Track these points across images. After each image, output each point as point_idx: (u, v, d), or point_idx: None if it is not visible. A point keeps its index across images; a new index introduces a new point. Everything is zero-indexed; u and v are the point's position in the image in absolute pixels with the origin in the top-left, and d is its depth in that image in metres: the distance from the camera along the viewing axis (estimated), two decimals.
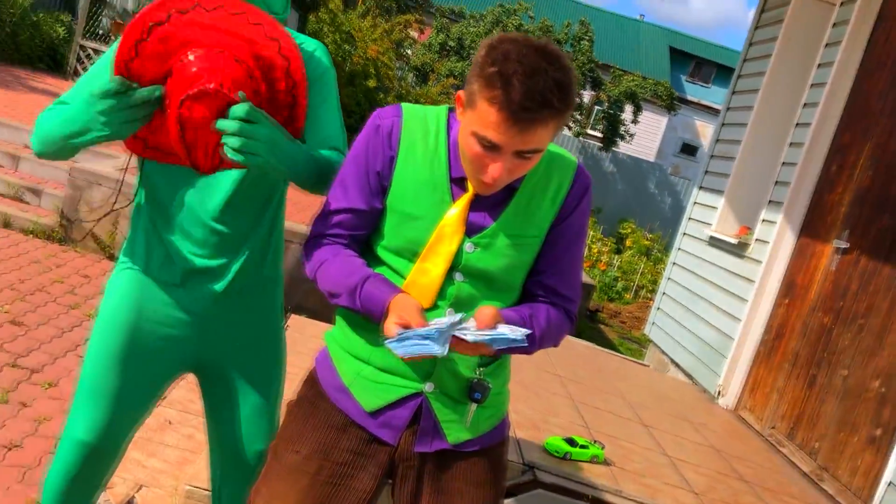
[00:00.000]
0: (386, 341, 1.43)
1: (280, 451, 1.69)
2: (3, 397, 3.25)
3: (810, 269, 4.58)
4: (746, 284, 5.02)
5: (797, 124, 5.00)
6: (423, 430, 1.65)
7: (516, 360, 1.82)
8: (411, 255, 1.58)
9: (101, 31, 11.81)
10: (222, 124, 1.56)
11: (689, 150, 31.97)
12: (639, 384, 4.95)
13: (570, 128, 21.35)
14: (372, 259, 1.64)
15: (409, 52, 17.41)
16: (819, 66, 4.96)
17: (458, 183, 1.57)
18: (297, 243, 5.64)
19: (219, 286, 1.89)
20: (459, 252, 1.56)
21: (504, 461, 1.78)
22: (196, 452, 3.02)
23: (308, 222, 1.71)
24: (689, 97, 32.10)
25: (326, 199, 1.66)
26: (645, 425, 3.89)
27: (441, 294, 1.57)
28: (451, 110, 1.61)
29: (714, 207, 5.85)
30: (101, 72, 1.80)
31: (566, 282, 1.66)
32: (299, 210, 6.64)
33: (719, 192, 5.83)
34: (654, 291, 10.74)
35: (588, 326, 8.92)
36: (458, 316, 1.49)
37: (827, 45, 4.93)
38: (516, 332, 1.43)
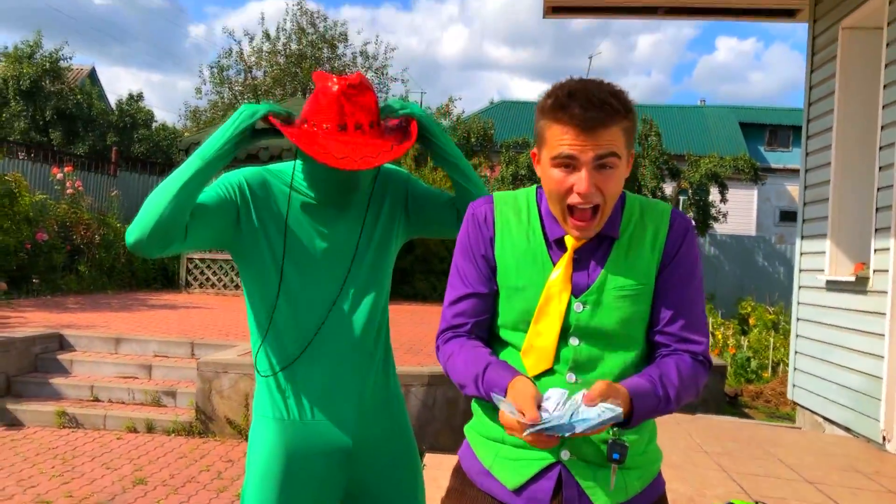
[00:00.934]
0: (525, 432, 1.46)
1: None
2: None
3: None
4: (878, 319, 4.79)
5: (880, 148, 4.92)
6: (568, 498, 1.63)
7: (661, 440, 1.77)
8: (526, 325, 1.62)
9: None
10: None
11: (789, 216, 31.03)
12: (795, 446, 4.69)
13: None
14: (496, 343, 1.69)
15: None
16: (885, 87, 4.92)
17: (559, 246, 1.63)
18: (417, 386, 5.73)
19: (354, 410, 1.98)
20: (569, 313, 1.59)
21: None
22: None
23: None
24: (773, 165, 31.54)
25: (446, 295, 1.74)
26: (810, 482, 3.67)
27: (557, 358, 1.60)
28: (539, 187, 1.69)
29: (822, 252, 5.69)
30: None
31: (688, 325, 1.64)
32: (413, 354, 6.78)
33: (822, 235, 5.69)
34: None
35: (731, 412, 8.52)
36: (563, 395, 1.49)
37: (887, 65, 4.91)
38: (607, 413, 1.42)
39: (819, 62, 6.03)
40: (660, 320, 1.64)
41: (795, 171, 30.18)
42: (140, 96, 22.42)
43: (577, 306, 1.59)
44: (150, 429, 5.90)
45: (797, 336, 6.12)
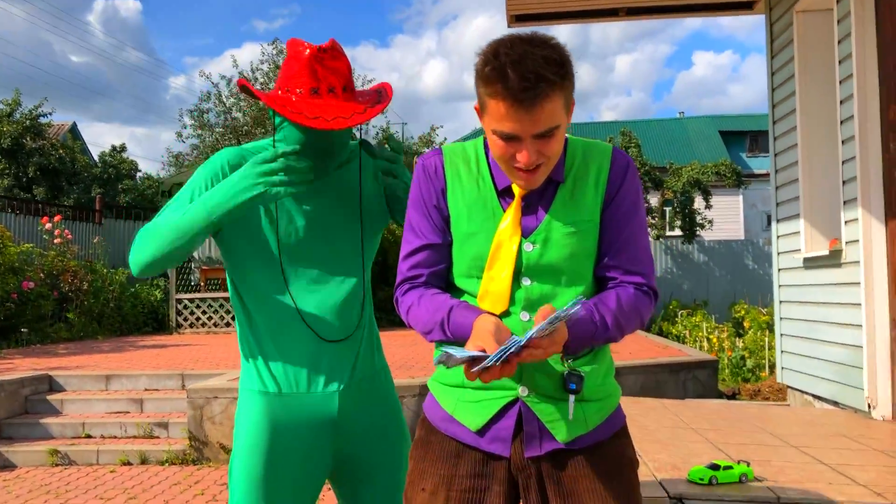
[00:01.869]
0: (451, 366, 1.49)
1: (409, 495, 1.73)
2: None
3: None
4: (854, 289, 4.84)
5: (841, 122, 5.00)
6: (529, 434, 1.66)
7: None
8: (479, 271, 1.66)
9: (192, 283, 12.70)
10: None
11: None
12: (784, 420, 4.71)
13: (648, 231, 21.19)
14: (453, 291, 1.73)
15: None
16: (840, 62, 5.02)
17: (507, 194, 1.67)
18: (409, 396, 5.74)
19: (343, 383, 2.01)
20: (521, 255, 1.63)
21: (628, 453, 1.74)
22: None
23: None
24: (756, 171, 31.77)
25: (402, 250, 1.77)
26: (795, 447, 3.69)
27: (512, 300, 1.63)
28: (486, 138, 1.72)
29: (797, 232, 5.75)
30: (193, 192, 2.00)
31: (630, 257, 1.68)
32: (405, 369, 6.79)
33: (796, 216, 5.76)
34: None
35: None
36: (522, 339, 1.49)
37: (840, 41, 5.01)
38: (568, 309, 1.45)
39: (778, 48, 6.15)
40: (604, 254, 1.68)
41: None
42: (123, 147, 22.53)
43: (527, 246, 1.63)
44: (144, 461, 5.86)
45: (781, 318, 6.17)
